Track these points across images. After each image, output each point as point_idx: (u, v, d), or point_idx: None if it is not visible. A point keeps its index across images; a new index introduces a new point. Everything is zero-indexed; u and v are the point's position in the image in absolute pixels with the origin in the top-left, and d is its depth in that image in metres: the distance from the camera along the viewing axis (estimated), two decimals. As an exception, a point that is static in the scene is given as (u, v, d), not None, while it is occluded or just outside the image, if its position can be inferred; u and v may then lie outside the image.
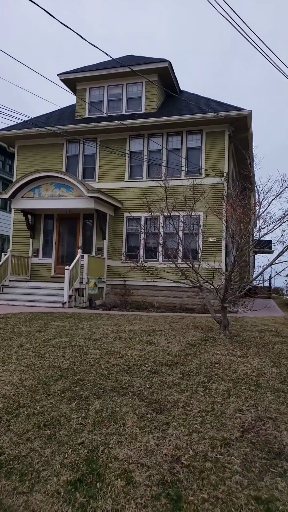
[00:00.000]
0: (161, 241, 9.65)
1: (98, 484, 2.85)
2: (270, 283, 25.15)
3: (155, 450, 3.21)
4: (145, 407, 3.95)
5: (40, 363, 5.19)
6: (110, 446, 3.30)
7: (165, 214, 8.79)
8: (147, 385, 4.48)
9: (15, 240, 16.69)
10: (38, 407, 3.94)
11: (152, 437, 3.41)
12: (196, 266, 11.66)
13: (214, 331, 7.72)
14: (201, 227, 11.90)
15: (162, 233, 10.64)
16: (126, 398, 4.13)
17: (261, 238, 8.57)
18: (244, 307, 13.50)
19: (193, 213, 12.05)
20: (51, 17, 7.52)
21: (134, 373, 4.86)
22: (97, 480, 2.90)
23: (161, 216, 12.66)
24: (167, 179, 15.23)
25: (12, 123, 17.50)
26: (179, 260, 14.87)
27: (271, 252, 22.70)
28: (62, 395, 4.22)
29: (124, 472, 2.96)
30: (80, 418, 3.74)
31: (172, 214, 9.92)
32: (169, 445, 3.28)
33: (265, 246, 17.37)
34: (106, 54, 9.25)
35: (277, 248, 12.13)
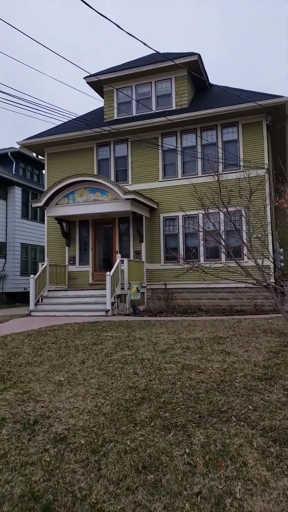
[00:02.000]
0: (222, 242, 8.73)
1: None
2: None
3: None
4: (261, 437, 3.18)
5: (112, 383, 4.49)
6: (238, 496, 2.54)
7: (222, 210, 7.92)
8: (250, 407, 3.71)
9: (50, 249, 16.24)
10: (128, 442, 3.23)
11: None
12: (242, 264, 10.83)
13: (289, 335, 6.87)
14: (250, 223, 10.98)
15: (221, 231, 9.74)
16: (232, 426, 3.38)
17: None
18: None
19: (235, 209, 11.24)
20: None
21: (226, 391, 4.10)
22: None
23: (218, 213, 11.90)
24: (207, 174, 14.51)
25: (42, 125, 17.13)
26: (223, 259, 14.12)
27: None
28: (152, 424, 3.50)
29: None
30: (185, 456, 3.00)
31: (221, 210, 9.14)
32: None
33: None
34: (145, 44, 8.56)
35: None
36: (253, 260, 7.66)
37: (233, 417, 3.54)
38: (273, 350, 5.70)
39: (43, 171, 25.63)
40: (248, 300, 13.74)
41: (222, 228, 13.70)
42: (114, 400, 4.02)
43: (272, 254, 13.69)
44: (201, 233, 14.33)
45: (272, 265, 12.99)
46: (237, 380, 4.39)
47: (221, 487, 2.65)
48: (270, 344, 6.18)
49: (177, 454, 3.04)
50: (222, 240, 8.54)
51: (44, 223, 23.41)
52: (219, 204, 7.98)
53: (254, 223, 11.18)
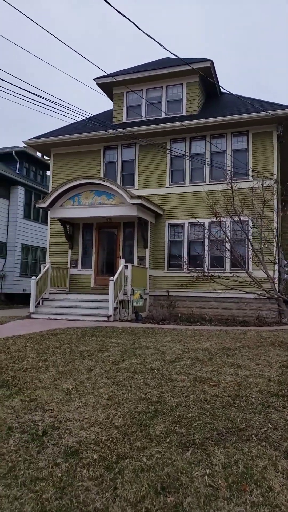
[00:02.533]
0: (229, 252, 8.59)
1: None
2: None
3: None
4: (285, 459, 3.01)
5: (123, 393, 4.30)
6: (266, 525, 2.37)
7: (235, 219, 7.77)
8: (270, 425, 3.54)
9: (52, 251, 16.05)
10: (144, 459, 3.05)
11: None
12: (242, 275, 10.66)
13: (300, 349, 6.70)
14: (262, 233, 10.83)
15: (229, 239, 9.57)
16: (252, 445, 3.20)
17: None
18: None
19: (245, 218, 11.07)
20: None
21: (243, 407, 3.93)
22: None
23: (225, 222, 11.80)
24: (215, 182, 14.40)
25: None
26: (227, 268, 13.97)
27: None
28: (168, 440, 3.32)
29: None
30: (206, 477, 2.82)
31: (233, 219, 9.00)
32: None
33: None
34: (162, 46, 8.41)
35: None
36: (264, 271, 7.49)
37: (253, 435, 3.36)
38: (285, 365, 5.52)
39: (47, 172, 25.57)
40: (251, 311, 13.57)
41: (230, 236, 13.58)
42: (126, 412, 3.83)
43: (277, 266, 13.58)
44: (206, 242, 14.22)
45: (277, 277, 12.84)
46: (253, 396, 4.21)
47: (247, 514, 2.48)
48: (281, 358, 6.00)
49: (197, 474, 2.86)
50: (232, 250, 8.34)
51: (46, 225, 23.27)
52: (231, 213, 7.84)
53: (266, 234, 11.04)
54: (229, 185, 8.32)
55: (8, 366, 5.40)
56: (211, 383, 4.60)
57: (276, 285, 13.18)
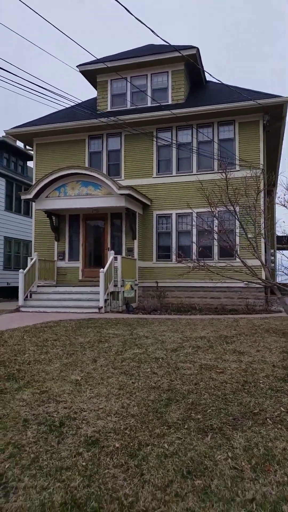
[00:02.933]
0: (220, 241, 8.68)
1: None
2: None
3: None
4: (303, 440, 3.10)
5: (133, 383, 4.33)
6: (295, 503, 2.44)
7: (230, 208, 7.83)
8: (282, 409, 3.63)
9: (38, 243, 15.85)
10: (166, 445, 3.09)
11: None
12: (234, 264, 10.81)
13: (296, 335, 6.85)
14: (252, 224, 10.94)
15: (223, 229, 9.62)
16: (269, 429, 3.28)
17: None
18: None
19: (232, 208, 11.15)
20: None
21: (253, 392, 4.01)
22: None
23: (216, 211, 11.86)
24: (202, 172, 14.46)
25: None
26: (215, 258, 14.10)
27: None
28: (186, 426, 3.37)
29: None
30: (229, 460, 2.88)
31: (228, 208, 9.08)
32: None
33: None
34: (153, 32, 8.35)
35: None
36: (259, 260, 7.61)
37: (267, 419, 3.44)
38: (285, 350, 5.66)
39: (28, 163, 25.15)
40: (239, 299, 13.78)
41: (218, 226, 13.70)
42: (140, 400, 3.86)
43: (264, 255, 13.79)
44: (195, 232, 14.32)
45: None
46: (261, 381, 4.31)
47: (274, 493, 2.55)
48: (279, 344, 6.14)
49: (220, 458, 2.92)
50: (227, 239, 8.41)
51: (29, 217, 22.97)
52: (222, 203, 7.90)
53: (260, 223, 11.17)
54: (220, 174, 8.33)
55: (10, 359, 5.35)
56: (218, 370, 4.68)
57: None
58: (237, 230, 12.09)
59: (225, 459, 2.90)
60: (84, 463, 2.91)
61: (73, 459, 2.97)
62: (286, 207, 7.42)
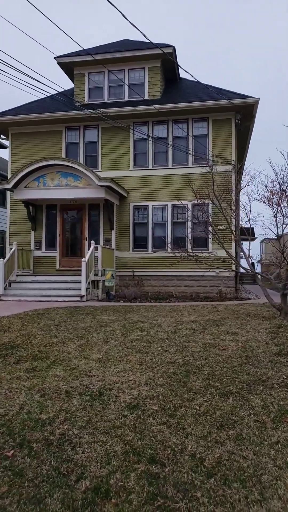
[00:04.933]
0: (210, 231, 9.31)
1: None
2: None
3: None
4: (307, 399, 3.79)
5: (150, 359, 4.88)
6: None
7: (215, 202, 8.47)
8: (284, 376, 4.32)
9: (13, 233, 15.89)
10: (196, 407, 3.66)
11: None
12: (206, 254, 11.58)
13: (276, 318, 7.65)
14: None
15: (210, 223, 10.24)
16: (278, 391, 3.94)
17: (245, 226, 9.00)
18: (252, 294, 13.60)
19: (201, 202, 11.84)
20: None
21: (256, 364, 4.68)
22: None
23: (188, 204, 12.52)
24: (176, 167, 15.07)
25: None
26: (189, 249, 14.82)
27: (253, 239, 23.07)
28: (208, 392, 3.96)
29: None
30: (252, 416, 3.51)
31: (213, 202, 9.76)
32: None
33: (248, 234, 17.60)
34: (134, 26, 8.78)
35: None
36: (242, 251, 8.34)
37: (275, 384, 4.11)
38: (271, 331, 6.40)
39: (-2, 151, 24.65)
40: (211, 288, 14.62)
41: (191, 219, 14.40)
42: (162, 373, 4.42)
43: (234, 247, 14.69)
44: (170, 223, 14.96)
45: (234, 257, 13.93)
46: (260, 356, 4.99)
47: (294, 436, 3.20)
48: (264, 326, 6.89)
49: (244, 414, 3.54)
50: (213, 232, 9.07)
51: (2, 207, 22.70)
52: (212, 198, 8.54)
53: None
54: (194, 169, 8.96)
55: (26, 342, 5.71)
56: (221, 348, 5.32)
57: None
58: (211, 221, 12.88)
59: (248, 415, 3.53)
60: (131, 423, 3.43)
61: (121, 420, 3.48)
62: (265, 203, 8.17)
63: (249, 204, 7.98)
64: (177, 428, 3.34)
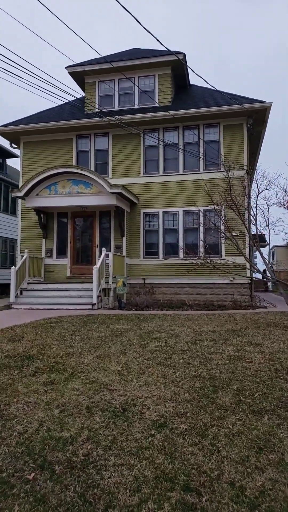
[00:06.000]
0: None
1: None
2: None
3: None
4: None
5: (173, 372, 4.60)
6: None
7: (233, 207, 8.22)
8: None
9: (25, 241, 15.76)
10: (230, 426, 3.38)
11: None
12: (221, 261, 11.29)
13: (298, 328, 7.33)
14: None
15: (227, 227, 9.98)
16: (316, 409, 3.65)
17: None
18: (267, 302, 13.25)
19: (217, 207, 11.59)
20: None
21: None
22: None
23: (200, 210, 12.19)
24: (187, 173, 14.87)
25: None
26: (201, 255, 14.54)
27: (264, 246, 22.78)
28: (240, 409, 3.68)
29: None
30: (292, 437, 3.22)
31: (231, 207, 9.52)
32: None
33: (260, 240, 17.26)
34: (147, 30, 8.62)
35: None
36: (262, 257, 8.06)
37: (311, 401, 3.82)
38: (296, 342, 6.10)
39: (8, 160, 24.78)
40: (224, 296, 14.30)
41: (202, 225, 14.16)
42: (188, 388, 4.14)
43: (248, 253, 14.38)
44: (181, 229, 14.71)
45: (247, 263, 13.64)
46: (291, 369, 4.69)
47: None
48: (287, 337, 6.58)
49: (283, 436, 3.24)
50: (231, 237, 8.80)
51: (8, 214, 22.70)
52: (230, 202, 8.30)
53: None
54: (203, 175, 8.72)
55: (41, 353, 5.47)
56: (247, 360, 5.03)
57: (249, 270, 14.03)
58: (227, 226, 12.63)
59: (286, 437, 3.23)
60: (160, 443, 3.16)
61: (148, 440, 3.20)
62: (284, 207, 7.90)
63: (267, 209, 7.67)
64: (211, 451, 3.06)
